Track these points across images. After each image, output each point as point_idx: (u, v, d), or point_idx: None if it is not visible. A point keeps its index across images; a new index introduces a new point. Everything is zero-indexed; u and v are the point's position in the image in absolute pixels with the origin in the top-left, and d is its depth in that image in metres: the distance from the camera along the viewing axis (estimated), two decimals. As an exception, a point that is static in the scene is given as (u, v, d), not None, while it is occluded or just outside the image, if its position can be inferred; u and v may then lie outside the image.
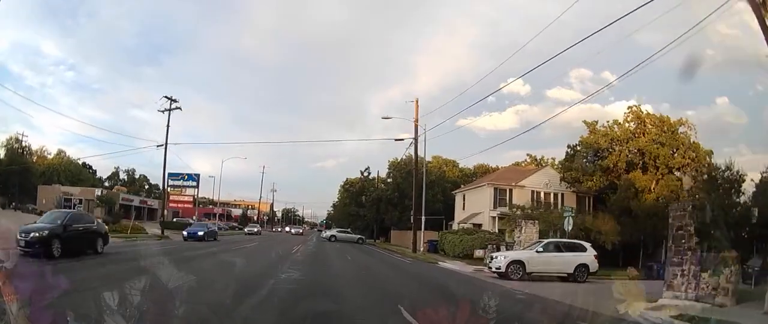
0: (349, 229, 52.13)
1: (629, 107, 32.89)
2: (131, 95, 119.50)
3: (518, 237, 24.03)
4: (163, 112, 37.19)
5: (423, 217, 31.29)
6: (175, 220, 52.67)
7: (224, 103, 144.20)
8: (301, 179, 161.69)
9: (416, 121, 32.09)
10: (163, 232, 33.42)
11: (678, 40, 12.00)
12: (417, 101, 32.65)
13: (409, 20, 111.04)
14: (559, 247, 18.88)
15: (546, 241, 19.90)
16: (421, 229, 32.50)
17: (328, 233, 50.30)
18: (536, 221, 24.86)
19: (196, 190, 48.86)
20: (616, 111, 67.62)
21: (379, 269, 19.62)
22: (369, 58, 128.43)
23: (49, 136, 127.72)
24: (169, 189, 48.41)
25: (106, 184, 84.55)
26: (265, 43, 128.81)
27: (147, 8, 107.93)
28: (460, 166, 55.99)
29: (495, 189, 36.72)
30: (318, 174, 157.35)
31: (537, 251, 18.12)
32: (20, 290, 4.33)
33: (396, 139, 32.08)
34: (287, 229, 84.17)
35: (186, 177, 49.21)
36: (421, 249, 31.64)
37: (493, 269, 18.11)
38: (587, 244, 19.18)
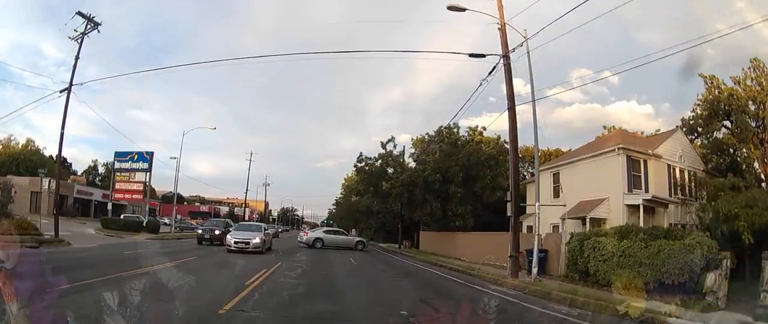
0: (343, 230, 36.45)
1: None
2: (130, 94, 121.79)
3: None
4: (73, 39, 24.23)
5: (538, 206, 15.24)
6: (123, 216, 37.28)
7: (224, 103, 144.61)
8: (301, 179, 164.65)
9: (502, 21, 16.19)
10: (57, 233, 20.97)
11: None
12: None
13: (410, 20, 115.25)
14: None
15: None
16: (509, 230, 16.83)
17: (311, 235, 30.06)
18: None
19: (148, 174, 33.01)
20: (618, 111, 66.88)
21: None
22: (369, 58, 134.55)
23: (49, 135, 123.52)
24: (116, 174, 33.69)
25: (81, 177, 75.41)
26: (265, 43, 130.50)
27: (147, 9, 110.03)
28: None
29: (628, 158, 20.83)
30: (318, 174, 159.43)
31: None
32: None
33: (473, 55, 15.54)
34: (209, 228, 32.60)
35: (136, 156, 33.37)
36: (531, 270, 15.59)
37: None
38: None
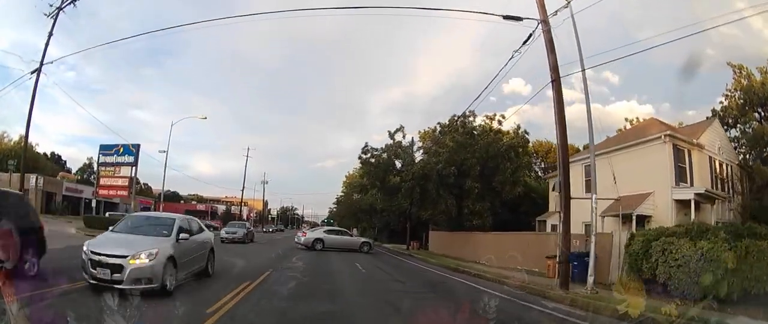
0: (345, 230, 33.30)
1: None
2: (131, 96, 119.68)
3: None
4: (49, 15, 22.41)
5: (594, 199, 12.35)
6: (108, 214, 34.60)
7: (224, 104, 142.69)
8: (301, 179, 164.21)
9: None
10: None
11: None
12: None
13: (410, 20, 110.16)
14: None
15: None
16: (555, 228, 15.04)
17: (310, 235, 26.59)
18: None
19: (134, 168, 30.07)
20: (618, 111, 66.83)
21: None
22: (369, 59, 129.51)
23: (49, 135, 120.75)
24: (100, 168, 31.01)
25: (71, 173, 73.34)
26: (265, 43, 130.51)
27: (147, 9, 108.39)
28: None
29: (674, 147, 18.07)
30: (318, 174, 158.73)
31: None
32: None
33: (507, 17, 12.62)
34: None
35: (121, 149, 30.54)
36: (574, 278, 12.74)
37: None
38: None
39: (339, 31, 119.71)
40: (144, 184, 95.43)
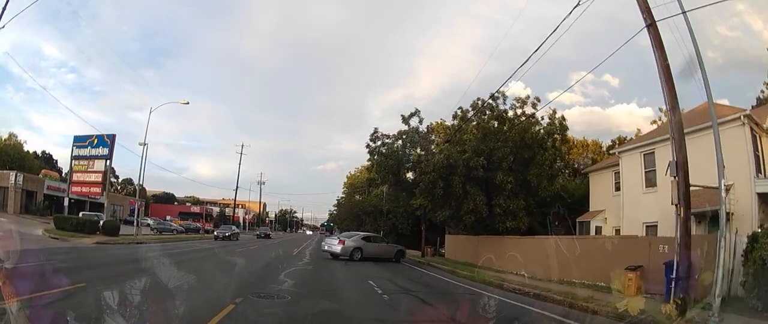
0: (379, 236, 28.91)
1: None
2: (132, 98, 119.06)
3: None
4: None
5: (723, 185, 8.73)
6: (82, 214, 31.21)
7: (224, 105, 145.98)
8: (301, 182, 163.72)
9: None
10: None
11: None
12: None
13: (409, 23, 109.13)
14: None
15: None
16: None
17: (349, 243, 21.80)
18: None
19: (108, 161, 26.47)
20: (618, 114, 66.60)
21: None
22: (369, 61, 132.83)
23: (49, 136, 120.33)
24: (73, 162, 27.80)
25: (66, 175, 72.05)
26: (265, 45, 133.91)
27: (147, 12, 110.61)
28: None
29: (751, 131, 14.77)
30: (318, 176, 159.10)
31: None
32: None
33: None
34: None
35: (95, 140, 26.96)
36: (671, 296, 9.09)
37: None
38: None
39: (340, 33, 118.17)
40: (138, 184, 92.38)
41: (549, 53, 16.79)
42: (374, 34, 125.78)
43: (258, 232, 56.30)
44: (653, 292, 12.17)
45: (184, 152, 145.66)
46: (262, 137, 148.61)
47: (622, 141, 31.89)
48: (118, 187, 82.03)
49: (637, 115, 68.66)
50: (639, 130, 39.04)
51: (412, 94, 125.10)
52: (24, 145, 67.38)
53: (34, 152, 72.20)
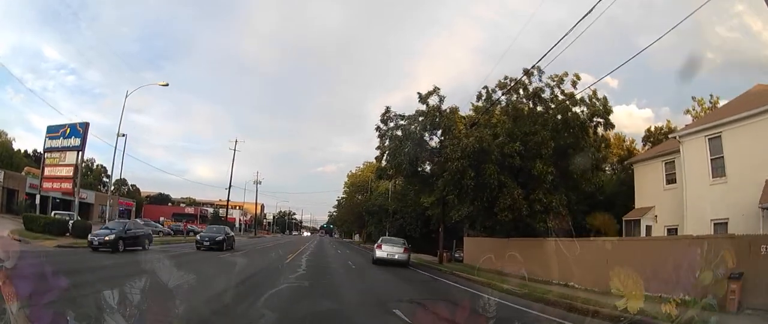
0: (398, 237, 24.92)
1: None
2: (131, 99, 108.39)
3: None
4: None
5: None
6: (55, 213, 28.34)
7: (224, 107, 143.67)
8: (300, 183, 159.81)
9: None
10: None
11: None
12: None
13: (409, 23, 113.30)
14: None
15: None
16: None
17: (381, 253, 20.24)
18: None
19: (80, 153, 23.33)
20: (618, 115, 55.98)
21: None
22: (369, 62, 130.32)
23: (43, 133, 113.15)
24: (46, 155, 25.06)
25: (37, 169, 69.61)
26: (265, 46, 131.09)
27: (147, 14, 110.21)
28: None
29: None
30: (318, 178, 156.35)
31: None
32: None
33: None
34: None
35: (68, 130, 23.82)
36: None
37: None
38: None
39: (340, 34, 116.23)
40: (132, 185, 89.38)
41: (549, 53, 13.76)
42: (374, 34, 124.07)
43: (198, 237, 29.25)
44: (756, 306, 9.41)
45: (184, 154, 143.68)
46: (262, 139, 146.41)
47: (657, 131, 28.64)
48: (112, 188, 79.34)
49: (637, 117, 66.89)
50: (650, 127, 36.00)
51: (412, 95, 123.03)
52: (13, 142, 65.70)
53: (25, 151, 70.40)
